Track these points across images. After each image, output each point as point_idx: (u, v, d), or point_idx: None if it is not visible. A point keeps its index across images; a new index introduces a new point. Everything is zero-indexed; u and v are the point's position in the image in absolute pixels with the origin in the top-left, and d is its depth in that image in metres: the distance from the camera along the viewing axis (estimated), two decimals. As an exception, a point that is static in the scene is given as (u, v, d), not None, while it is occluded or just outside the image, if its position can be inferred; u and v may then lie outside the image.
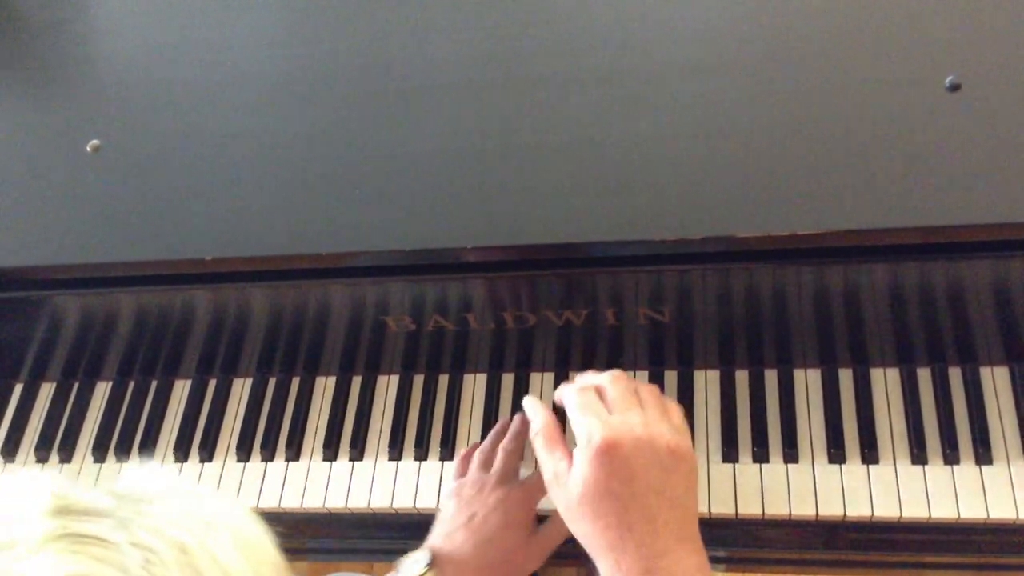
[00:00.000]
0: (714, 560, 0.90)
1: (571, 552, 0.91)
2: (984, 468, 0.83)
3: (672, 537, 0.63)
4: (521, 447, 0.88)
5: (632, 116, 0.82)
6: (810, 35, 0.84)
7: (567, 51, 0.88)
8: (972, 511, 0.81)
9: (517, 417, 0.90)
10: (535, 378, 0.95)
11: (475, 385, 0.96)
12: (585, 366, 0.93)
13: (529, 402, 0.75)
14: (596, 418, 0.66)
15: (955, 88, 0.76)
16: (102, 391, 1.03)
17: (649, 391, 0.71)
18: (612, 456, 0.64)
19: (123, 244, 0.83)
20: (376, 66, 0.91)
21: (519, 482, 0.84)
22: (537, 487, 0.82)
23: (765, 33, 0.85)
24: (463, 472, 0.87)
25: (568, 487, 0.66)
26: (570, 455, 0.67)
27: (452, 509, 0.83)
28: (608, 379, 0.71)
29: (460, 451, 0.92)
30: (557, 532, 0.82)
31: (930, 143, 0.75)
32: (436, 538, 0.81)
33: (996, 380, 0.87)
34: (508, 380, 0.95)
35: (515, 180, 0.80)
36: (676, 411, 0.71)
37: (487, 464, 0.86)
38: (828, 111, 0.78)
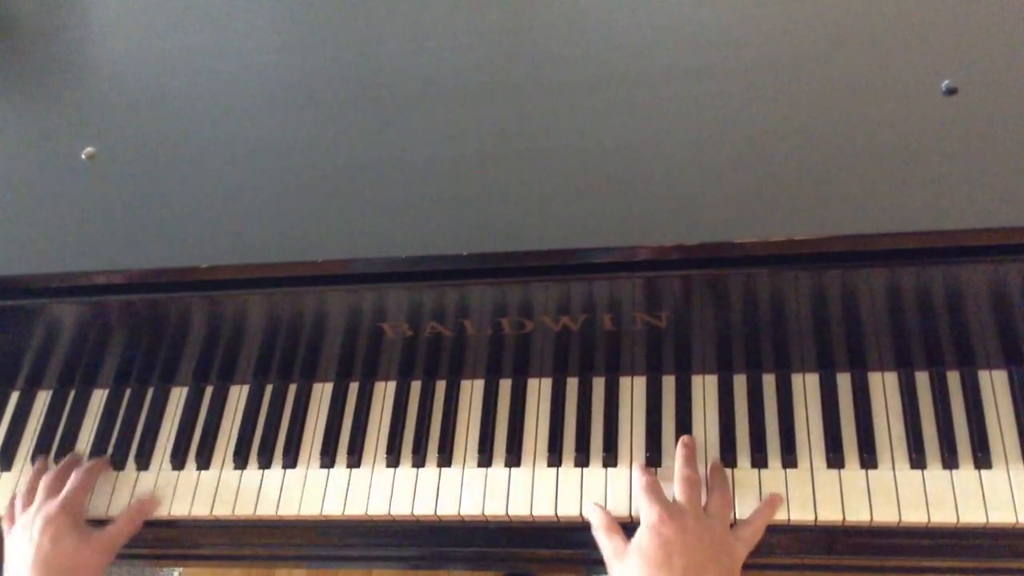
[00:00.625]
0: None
1: (576, 558, 0.92)
2: (983, 472, 0.83)
3: None
4: (63, 477, 0.94)
5: (628, 121, 0.82)
6: (806, 40, 0.84)
7: (563, 57, 0.88)
8: (971, 516, 0.81)
9: (67, 457, 0.98)
10: (532, 384, 0.94)
11: (472, 391, 0.95)
12: (583, 372, 0.93)
13: (588, 504, 0.86)
14: (658, 503, 0.80)
15: (951, 92, 0.76)
16: (98, 399, 1.03)
17: (720, 496, 0.83)
18: (662, 531, 0.77)
19: (118, 252, 0.82)
20: (372, 73, 0.91)
21: (55, 499, 0.90)
22: (74, 493, 0.91)
23: (760, 38, 0.85)
24: (11, 522, 0.92)
25: (626, 557, 0.78)
26: (627, 540, 0.80)
27: (11, 556, 0.88)
28: (682, 472, 0.83)
29: (457, 457, 0.92)
30: (119, 528, 0.91)
31: (926, 147, 0.74)
32: None
33: (995, 384, 0.87)
34: (505, 386, 0.95)
35: (511, 186, 0.80)
36: (750, 535, 0.81)
37: (28, 501, 0.93)
38: (824, 116, 0.78)
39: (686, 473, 0.83)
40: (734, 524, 0.83)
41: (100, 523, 0.93)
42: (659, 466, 0.88)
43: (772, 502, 0.83)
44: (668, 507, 0.80)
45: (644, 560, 0.76)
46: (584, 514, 0.86)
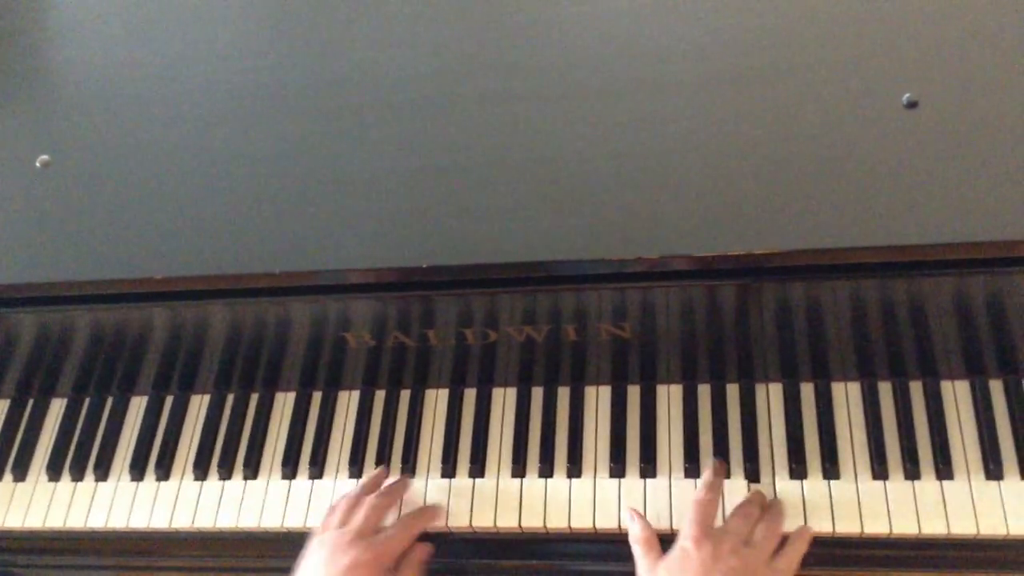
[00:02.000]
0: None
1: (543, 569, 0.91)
2: (945, 483, 0.83)
3: None
4: (389, 504, 0.87)
5: (593, 134, 0.81)
6: (768, 54, 0.83)
7: (529, 68, 0.87)
8: (933, 526, 0.81)
9: (401, 479, 0.90)
10: (497, 393, 0.94)
11: (437, 400, 0.95)
12: (548, 382, 0.93)
13: (628, 511, 0.84)
14: (699, 523, 0.78)
15: (912, 105, 0.76)
16: (57, 408, 1.01)
17: (768, 529, 0.81)
18: (693, 552, 0.76)
19: (73, 262, 0.81)
20: (334, 83, 0.89)
21: (373, 541, 0.83)
22: (391, 545, 0.83)
23: (723, 52, 0.84)
24: (327, 524, 0.85)
25: (656, 573, 0.77)
26: (662, 556, 0.78)
27: (307, 568, 0.81)
28: (744, 505, 0.82)
29: (421, 467, 0.91)
30: None
31: (888, 160, 0.74)
32: None
33: (957, 395, 0.87)
34: (470, 396, 0.94)
35: (474, 198, 0.79)
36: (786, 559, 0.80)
37: (347, 518, 0.85)
38: (786, 130, 0.78)
39: (747, 508, 0.82)
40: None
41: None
42: (623, 476, 0.87)
43: (804, 534, 0.82)
44: (707, 529, 0.78)
45: (673, 570, 0.76)
46: (624, 522, 0.85)
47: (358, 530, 0.83)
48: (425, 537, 0.89)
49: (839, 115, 0.77)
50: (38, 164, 0.87)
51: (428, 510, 0.89)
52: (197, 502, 0.93)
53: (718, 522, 0.82)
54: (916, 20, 0.82)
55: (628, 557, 0.82)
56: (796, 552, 0.81)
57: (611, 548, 0.87)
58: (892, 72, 0.79)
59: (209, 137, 0.87)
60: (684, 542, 0.77)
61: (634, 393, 0.92)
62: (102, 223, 0.83)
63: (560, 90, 0.84)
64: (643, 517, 0.84)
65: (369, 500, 0.86)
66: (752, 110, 0.80)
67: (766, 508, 0.84)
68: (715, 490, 0.83)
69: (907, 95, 0.76)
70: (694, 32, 0.86)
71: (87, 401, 1.00)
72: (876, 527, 0.82)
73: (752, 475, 0.85)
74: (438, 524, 0.88)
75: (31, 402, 1.02)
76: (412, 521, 0.87)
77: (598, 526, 0.86)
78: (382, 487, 0.89)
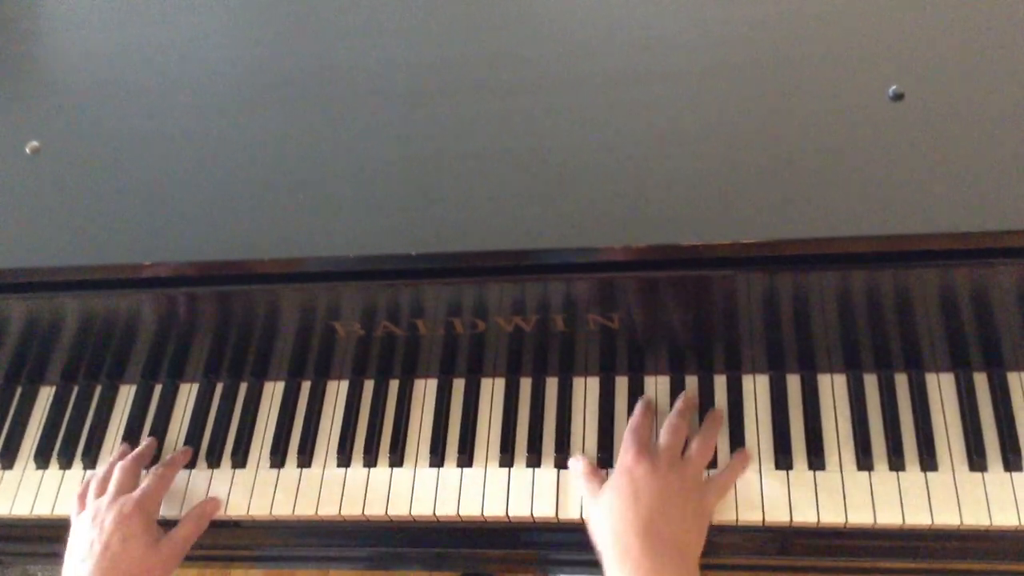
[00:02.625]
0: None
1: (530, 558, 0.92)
2: (929, 474, 0.83)
3: (663, 542, 0.76)
4: (139, 465, 0.91)
5: (582, 123, 0.81)
6: (755, 46, 0.84)
7: (517, 58, 0.87)
8: (917, 517, 0.82)
9: (146, 440, 0.95)
10: (486, 383, 0.94)
11: (426, 390, 0.95)
12: (537, 372, 0.93)
13: (572, 457, 0.88)
14: (635, 444, 0.83)
15: (898, 98, 0.76)
16: (45, 396, 1.01)
17: (702, 442, 0.85)
18: (634, 471, 0.80)
19: (62, 248, 0.81)
20: (324, 72, 0.89)
21: (132, 495, 0.86)
22: (151, 492, 0.87)
23: (710, 45, 0.85)
24: (82, 507, 0.88)
25: (599, 495, 0.81)
26: (603, 482, 0.83)
27: (74, 545, 0.84)
28: (667, 425, 0.86)
29: (409, 456, 0.91)
30: (185, 532, 0.87)
31: (874, 152, 0.75)
32: None
33: (942, 387, 0.88)
34: (459, 386, 0.94)
35: (464, 186, 0.79)
36: (721, 482, 0.84)
37: (102, 489, 0.88)
38: (773, 121, 0.78)
39: (673, 421, 0.86)
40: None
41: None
42: (610, 467, 0.88)
43: (744, 457, 0.86)
44: (644, 449, 0.82)
45: (613, 496, 0.80)
46: (568, 464, 0.88)
47: (114, 491, 0.87)
48: (412, 528, 0.90)
49: (825, 107, 0.78)
50: (27, 150, 0.87)
51: (178, 455, 0.93)
52: (185, 490, 0.93)
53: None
54: (902, 13, 0.83)
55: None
56: (732, 472, 0.85)
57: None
58: (878, 65, 0.79)
59: (199, 124, 0.87)
60: (623, 461, 0.82)
61: (622, 384, 0.92)
62: (91, 209, 0.83)
63: (550, 80, 0.85)
64: (585, 456, 0.87)
65: (118, 465, 0.90)
66: (739, 102, 0.80)
67: (706, 421, 0.87)
68: (647, 415, 0.87)
69: (893, 88, 0.77)
70: (682, 24, 0.87)
71: (75, 389, 1.00)
72: (860, 517, 0.82)
73: (738, 465, 0.86)
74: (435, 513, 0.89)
75: (19, 390, 1.02)
76: (164, 468, 0.90)
77: (583, 516, 0.86)
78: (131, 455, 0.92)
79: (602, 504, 0.80)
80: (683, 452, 0.84)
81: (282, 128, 0.86)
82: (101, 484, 0.89)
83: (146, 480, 0.88)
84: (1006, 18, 0.81)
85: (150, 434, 0.96)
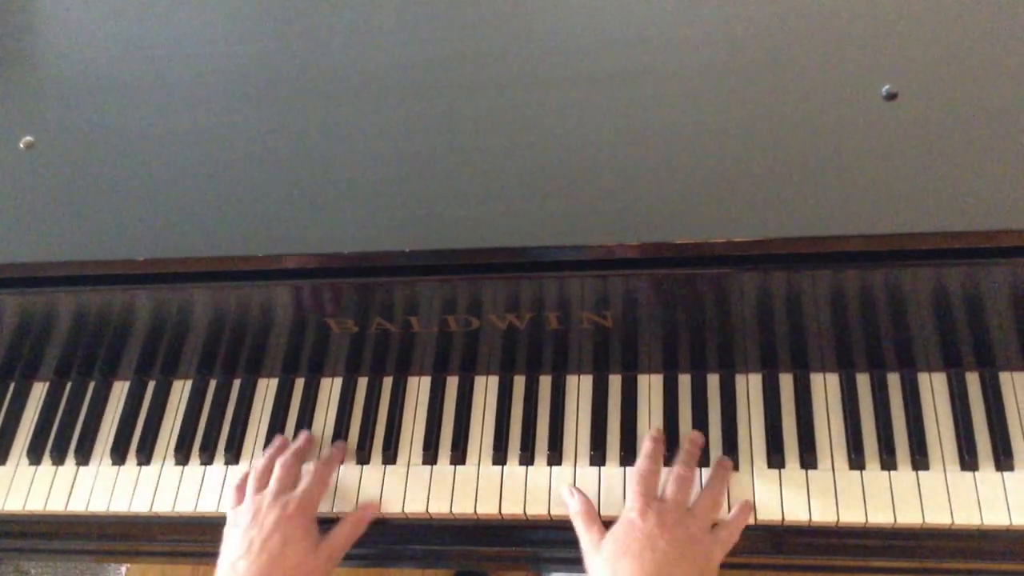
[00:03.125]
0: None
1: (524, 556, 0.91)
2: (921, 474, 0.84)
3: None
4: (300, 461, 0.89)
5: (576, 121, 0.81)
6: (749, 45, 0.84)
7: (510, 56, 0.87)
8: (908, 516, 0.82)
9: (303, 434, 0.92)
10: (479, 381, 0.94)
11: (419, 388, 0.95)
12: (530, 369, 0.93)
13: (566, 488, 0.86)
14: (642, 495, 0.80)
15: (891, 97, 0.77)
16: (38, 392, 1.01)
17: (710, 496, 0.83)
18: (638, 523, 0.77)
19: (56, 244, 0.81)
20: (319, 69, 0.90)
21: (293, 494, 0.84)
22: (312, 493, 0.85)
23: (704, 44, 0.85)
24: (239, 500, 0.86)
25: (601, 547, 0.78)
26: (604, 531, 0.80)
27: (232, 540, 0.82)
28: (679, 471, 0.83)
29: (402, 454, 0.91)
30: (344, 536, 0.85)
31: (867, 151, 0.75)
32: (221, 572, 0.80)
33: (934, 386, 0.88)
34: (452, 383, 0.95)
35: (458, 184, 0.79)
36: (727, 536, 0.82)
37: (262, 484, 0.86)
38: (767, 120, 0.78)
39: (679, 471, 0.83)
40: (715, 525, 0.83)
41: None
42: (603, 465, 0.88)
43: (746, 507, 0.84)
44: (651, 500, 0.80)
45: (616, 550, 0.77)
46: (562, 496, 0.86)
47: (276, 490, 0.84)
48: (405, 525, 0.90)
49: (819, 106, 0.78)
50: (22, 145, 0.87)
51: (335, 453, 0.91)
52: (178, 487, 0.93)
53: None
54: (895, 13, 0.83)
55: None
56: (737, 524, 0.83)
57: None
58: (871, 64, 0.80)
59: (193, 121, 0.87)
60: (629, 514, 0.79)
61: (615, 382, 0.92)
62: (85, 205, 0.83)
63: (544, 78, 0.85)
64: (581, 492, 0.85)
65: (279, 461, 0.87)
66: (733, 101, 0.80)
67: (713, 472, 0.85)
68: (656, 460, 0.84)
69: (886, 87, 0.77)
70: (678, 23, 0.87)
71: (69, 385, 1.00)
72: (852, 516, 0.83)
73: (731, 464, 0.86)
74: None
75: (12, 385, 1.01)
76: (324, 467, 0.88)
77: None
78: (289, 449, 0.90)
79: (605, 557, 0.77)
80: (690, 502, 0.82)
81: (277, 125, 0.86)
82: (261, 478, 0.86)
83: (307, 480, 0.86)
84: (999, 18, 0.81)
85: (144, 429, 0.96)
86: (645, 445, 0.85)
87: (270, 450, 0.90)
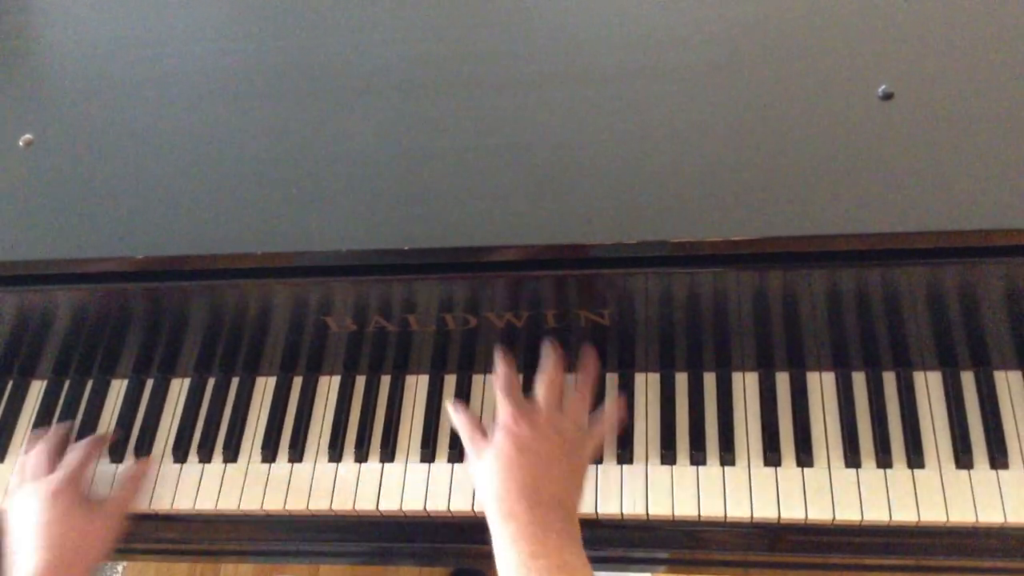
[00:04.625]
0: (653, 561, 0.91)
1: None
2: (916, 472, 0.84)
3: (546, 499, 0.76)
4: (57, 441, 0.93)
5: (573, 120, 0.82)
6: (745, 45, 0.84)
7: (508, 55, 0.88)
8: (903, 514, 0.82)
9: (55, 426, 0.96)
10: (477, 379, 0.94)
11: (417, 386, 0.95)
12: (527, 368, 0.93)
13: (449, 404, 0.90)
14: (512, 403, 0.83)
15: (888, 97, 0.77)
16: (36, 390, 1.01)
17: (579, 395, 0.87)
18: (514, 430, 0.80)
19: (54, 241, 0.81)
20: (319, 65, 0.90)
21: (55, 474, 0.88)
22: (75, 465, 0.88)
23: (701, 42, 0.85)
24: (11, 490, 0.91)
25: (482, 455, 0.81)
26: (486, 441, 0.82)
27: (16, 517, 0.85)
28: (542, 379, 0.86)
29: (400, 451, 0.92)
30: (122, 493, 0.91)
31: (864, 151, 0.75)
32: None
33: (929, 385, 0.88)
34: (450, 381, 0.95)
35: (456, 182, 0.80)
36: (598, 432, 0.86)
37: (21, 477, 0.90)
38: (764, 119, 0.79)
39: (550, 374, 0.86)
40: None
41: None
42: (600, 463, 0.88)
43: (619, 402, 0.89)
44: (521, 406, 0.83)
45: (496, 457, 0.79)
46: (448, 411, 0.90)
47: (32, 468, 0.89)
48: (403, 523, 0.90)
49: (816, 106, 0.78)
50: (21, 143, 0.87)
51: (100, 435, 0.96)
52: (176, 484, 0.93)
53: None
54: (891, 13, 0.84)
55: (597, 541, 0.83)
56: (608, 423, 0.88)
57: (586, 533, 0.87)
58: (867, 64, 0.80)
59: (191, 118, 0.87)
60: (502, 421, 0.82)
61: (612, 380, 0.92)
62: (84, 203, 0.83)
63: (542, 77, 0.85)
64: (464, 406, 0.89)
65: (37, 446, 0.92)
66: (730, 100, 0.81)
67: (581, 375, 0.89)
68: (510, 362, 0.88)
69: (882, 87, 0.78)
70: (672, 23, 0.87)
71: (67, 383, 1.00)
72: (848, 514, 0.83)
73: (728, 461, 0.86)
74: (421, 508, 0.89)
75: (10, 383, 1.01)
76: (84, 443, 0.92)
77: (575, 511, 0.86)
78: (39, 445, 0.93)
79: (485, 464, 0.80)
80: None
81: (275, 123, 0.86)
82: (25, 470, 0.90)
83: (68, 456, 0.90)
84: (994, 18, 0.82)
85: (142, 428, 0.96)
86: (497, 355, 0.88)
87: (26, 446, 0.96)
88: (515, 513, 0.75)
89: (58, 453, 0.92)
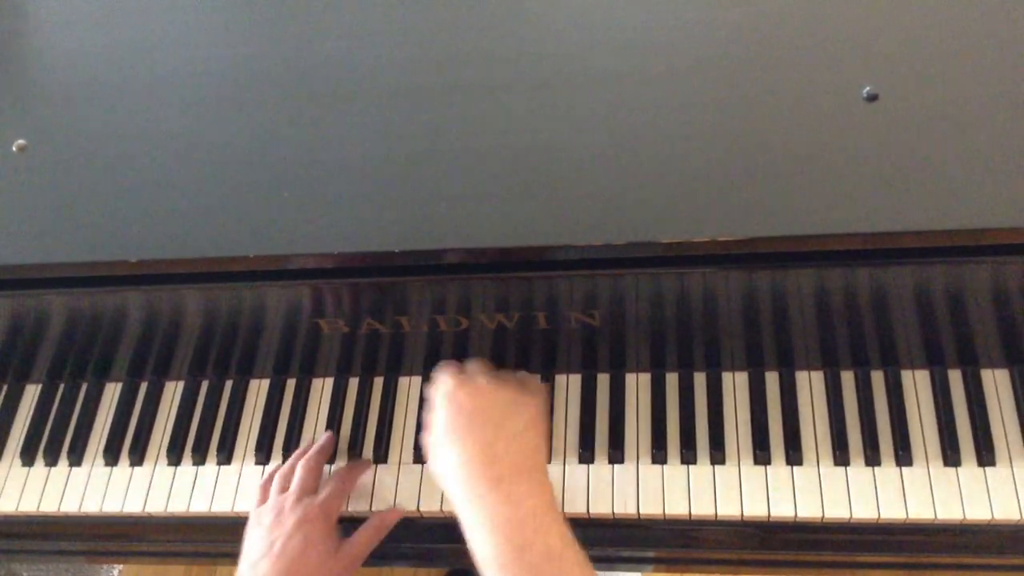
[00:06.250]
0: (642, 560, 0.92)
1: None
2: (904, 469, 0.85)
3: (509, 466, 0.74)
4: (322, 462, 0.90)
5: (563, 123, 0.82)
6: (731, 46, 0.85)
7: (499, 58, 0.88)
8: (892, 512, 0.83)
9: (325, 435, 0.92)
10: (469, 381, 0.95)
11: (410, 387, 0.96)
12: (518, 368, 0.94)
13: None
14: (449, 374, 0.83)
15: (872, 98, 0.78)
16: (31, 394, 1.01)
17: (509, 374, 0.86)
18: (456, 397, 0.79)
19: (48, 245, 0.81)
20: (309, 69, 0.90)
21: (315, 498, 0.85)
22: (334, 498, 0.86)
23: (688, 44, 0.86)
24: (263, 499, 0.87)
25: (432, 431, 0.80)
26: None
27: (254, 539, 0.83)
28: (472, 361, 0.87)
29: (393, 453, 0.92)
30: (365, 539, 0.87)
31: (850, 152, 0.76)
32: (242, 570, 0.81)
33: (917, 383, 0.89)
34: (443, 383, 0.95)
35: (447, 184, 0.80)
36: (535, 384, 0.88)
37: (286, 485, 0.87)
38: (750, 121, 0.79)
39: (481, 361, 0.87)
40: None
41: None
42: (591, 462, 0.89)
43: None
44: (458, 375, 0.82)
45: (447, 430, 0.78)
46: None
47: (298, 491, 0.85)
48: (398, 524, 0.90)
49: (802, 107, 0.79)
50: (14, 148, 0.88)
51: (361, 462, 0.92)
52: (171, 487, 0.94)
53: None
54: (875, 14, 0.84)
55: (588, 540, 0.83)
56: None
57: (577, 533, 0.88)
58: (852, 66, 0.81)
59: (183, 123, 0.88)
60: (444, 389, 0.81)
61: (603, 381, 0.93)
62: (77, 207, 0.83)
63: (533, 80, 0.86)
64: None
65: (302, 463, 0.88)
66: (718, 102, 0.81)
67: None
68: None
69: (867, 88, 0.78)
70: (662, 25, 0.88)
71: (61, 387, 1.01)
72: (837, 512, 0.84)
73: (718, 460, 0.87)
74: (403, 512, 0.90)
75: (5, 388, 1.02)
76: (347, 472, 0.89)
77: (566, 511, 0.87)
78: (312, 449, 0.91)
79: (434, 440, 0.79)
80: None
81: (268, 126, 0.86)
82: (285, 479, 0.87)
83: (330, 484, 0.87)
84: (980, 18, 0.83)
85: (136, 430, 0.97)
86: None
87: (293, 456, 0.91)
88: (481, 495, 0.73)
89: (322, 467, 0.90)
